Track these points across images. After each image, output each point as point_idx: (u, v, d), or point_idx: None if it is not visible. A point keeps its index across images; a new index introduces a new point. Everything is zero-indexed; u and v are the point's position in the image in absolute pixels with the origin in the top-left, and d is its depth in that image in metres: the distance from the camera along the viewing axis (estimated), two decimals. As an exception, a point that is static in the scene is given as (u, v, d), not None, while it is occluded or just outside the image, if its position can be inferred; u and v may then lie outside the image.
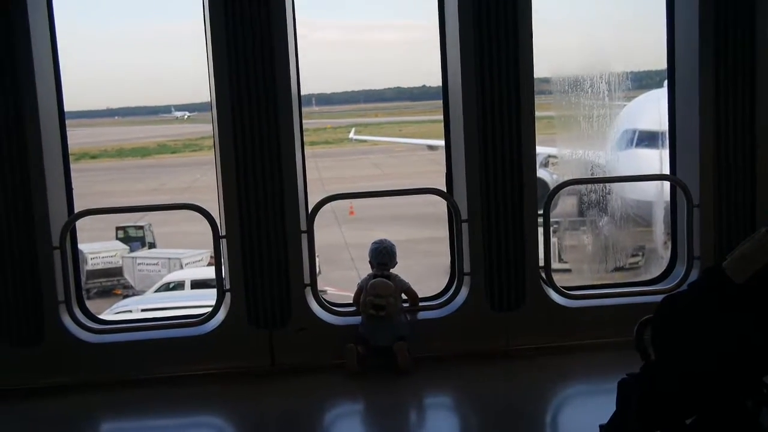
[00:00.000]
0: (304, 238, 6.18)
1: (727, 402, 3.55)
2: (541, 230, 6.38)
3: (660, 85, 16.90)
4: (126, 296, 22.11)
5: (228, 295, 6.20)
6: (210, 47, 6.02)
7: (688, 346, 3.54)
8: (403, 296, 6.29)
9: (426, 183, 7.51)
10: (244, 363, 6.15)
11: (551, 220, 6.51)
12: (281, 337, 6.18)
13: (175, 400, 5.91)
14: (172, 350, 6.16)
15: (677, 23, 6.50)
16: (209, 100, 6.16)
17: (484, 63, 6.09)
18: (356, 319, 6.22)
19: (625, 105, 19.12)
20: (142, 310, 14.90)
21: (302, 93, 6.35)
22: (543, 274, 6.39)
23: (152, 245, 26.86)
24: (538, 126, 6.29)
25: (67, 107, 6.30)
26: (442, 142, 6.90)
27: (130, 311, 15.63)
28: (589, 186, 16.76)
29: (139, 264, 24.28)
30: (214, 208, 6.25)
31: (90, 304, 6.59)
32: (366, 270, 6.42)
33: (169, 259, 23.70)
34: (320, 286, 6.42)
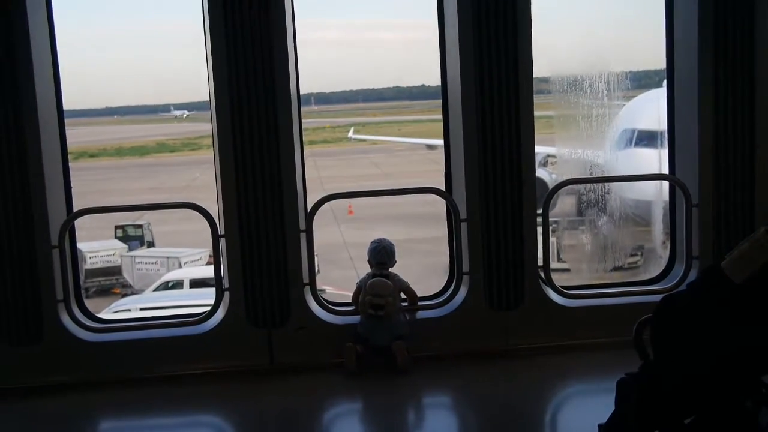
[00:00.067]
0: (303, 237, 6.18)
1: (726, 402, 3.55)
2: (540, 230, 6.39)
3: (659, 85, 16.90)
4: (125, 295, 22.08)
5: (227, 294, 6.20)
6: (209, 46, 6.02)
7: (686, 346, 3.54)
8: (402, 295, 6.29)
9: (425, 182, 7.52)
10: (243, 362, 6.15)
11: (550, 219, 6.51)
12: (280, 336, 6.18)
13: (174, 399, 5.91)
14: (171, 349, 6.16)
15: (676, 23, 6.50)
16: (208, 99, 6.16)
17: (484, 62, 6.09)
18: (355, 319, 6.22)
19: (624, 104, 19.12)
20: (141, 309, 14.88)
21: (301, 92, 6.35)
22: (542, 274, 6.39)
23: (151, 244, 26.84)
24: (537, 125, 6.29)
25: (66, 106, 6.30)
26: (441, 142, 6.90)
27: (129, 310, 15.61)
28: (588, 185, 16.75)
29: (137, 263, 24.26)
30: (213, 207, 6.25)
31: (89, 303, 6.59)
32: (365, 269, 6.42)
33: (168, 258, 23.68)
34: (319, 285, 6.41)
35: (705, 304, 3.55)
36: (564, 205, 20.03)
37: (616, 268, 17.81)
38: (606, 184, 16.54)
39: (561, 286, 6.44)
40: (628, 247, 18.40)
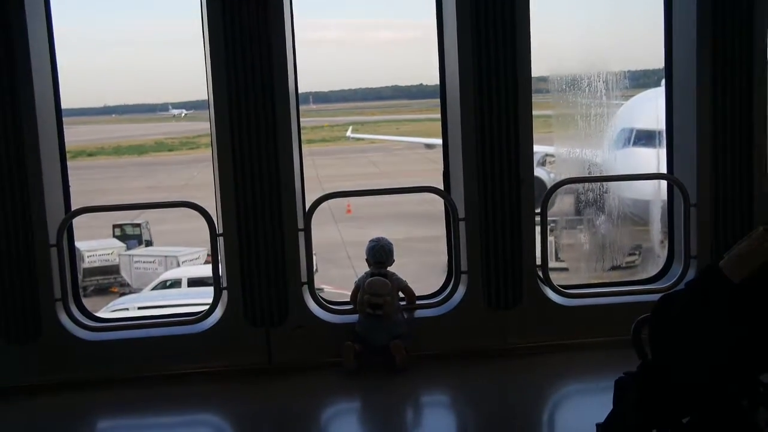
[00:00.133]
0: (302, 236, 6.18)
1: (722, 401, 3.55)
2: (538, 229, 6.39)
3: (658, 84, 16.90)
4: (123, 294, 22.07)
5: (225, 293, 6.19)
6: (208, 45, 6.01)
7: (684, 346, 3.54)
8: (401, 294, 6.29)
9: (423, 181, 7.51)
10: (241, 361, 6.15)
11: (548, 218, 6.51)
12: (278, 335, 6.18)
13: (172, 397, 5.91)
14: (169, 348, 6.15)
15: (675, 22, 6.50)
16: (206, 98, 6.15)
17: (482, 61, 6.09)
18: (353, 318, 6.22)
19: (622, 104, 19.11)
20: (139, 308, 14.87)
21: (299, 91, 6.35)
22: (540, 273, 6.39)
23: (149, 243, 26.82)
24: (536, 125, 6.29)
25: (64, 105, 6.30)
26: (439, 141, 6.90)
27: (127, 309, 15.60)
28: (587, 185, 16.73)
29: (135, 262, 24.24)
30: (211, 205, 6.24)
31: (86, 302, 6.58)
32: (363, 268, 6.42)
33: (166, 257, 23.66)
34: (317, 284, 6.41)
35: (703, 303, 3.55)
36: (562, 204, 20.02)
37: (614, 268, 17.81)
38: (604, 183, 16.52)
39: (559, 286, 6.44)
40: (626, 247, 18.39)
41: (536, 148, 6.47)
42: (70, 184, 6.36)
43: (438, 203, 6.74)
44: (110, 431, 5.88)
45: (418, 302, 6.40)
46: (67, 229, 6.07)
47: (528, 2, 6.10)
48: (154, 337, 6.22)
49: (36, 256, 5.95)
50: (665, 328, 3.61)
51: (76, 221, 6.28)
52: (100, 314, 7.84)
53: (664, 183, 7.41)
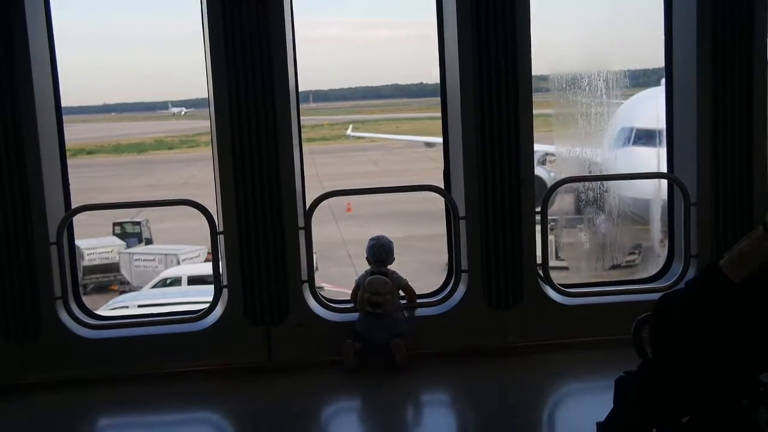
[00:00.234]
0: (302, 234, 6.18)
1: (723, 400, 3.55)
2: (538, 228, 6.39)
3: (658, 83, 16.89)
4: (122, 292, 22.10)
5: (225, 292, 6.19)
6: (208, 43, 6.01)
7: (685, 345, 3.54)
8: (401, 293, 6.29)
9: (423, 180, 7.51)
10: (242, 359, 6.15)
11: (549, 217, 6.51)
12: (278, 333, 6.18)
13: (172, 396, 5.91)
14: (170, 346, 6.16)
15: (675, 21, 6.50)
16: (206, 96, 6.15)
17: (483, 60, 6.09)
18: (354, 316, 6.22)
19: (622, 103, 19.11)
20: (139, 306, 14.88)
21: (300, 89, 6.35)
22: (540, 272, 6.39)
23: (149, 241, 26.87)
24: (536, 123, 6.29)
25: (64, 103, 6.30)
26: (439, 139, 6.89)
27: (127, 307, 15.61)
28: (587, 184, 16.73)
29: (135, 260, 24.28)
30: (211, 204, 6.24)
31: (86, 300, 6.58)
32: (363, 267, 6.42)
33: (166, 255, 23.69)
34: (317, 282, 6.42)
35: (703, 302, 3.55)
36: (562, 203, 20.03)
37: (614, 267, 17.81)
38: (604, 182, 16.52)
39: (559, 284, 6.44)
40: (626, 246, 18.40)
41: (536, 147, 6.46)
42: (69, 182, 6.35)
43: (438, 202, 6.74)
44: (110, 429, 5.88)
45: (418, 301, 6.39)
46: (67, 227, 6.07)
47: (528, 0, 6.10)
48: (154, 335, 6.22)
49: (36, 254, 5.95)
50: (665, 327, 3.61)
51: (76, 219, 6.28)
52: (100, 312, 7.84)
53: (664, 182, 7.41)
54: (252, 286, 6.13)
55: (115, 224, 26.77)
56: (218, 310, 6.21)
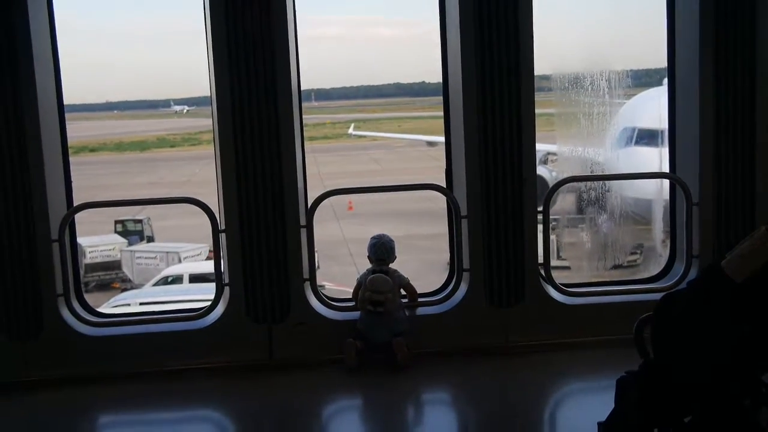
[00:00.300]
0: (304, 232, 6.18)
1: (724, 401, 3.55)
2: (540, 227, 6.39)
3: (660, 84, 16.89)
4: (124, 290, 22.14)
5: (227, 290, 6.20)
6: (210, 41, 6.01)
7: (686, 345, 3.54)
8: (403, 292, 6.29)
9: (425, 179, 7.50)
10: (243, 357, 6.15)
11: (550, 217, 6.50)
12: (280, 331, 6.18)
13: (173, 393, 5.91)
14: (171, 344, 6.16)
15: (678, 21, 6.49)
16: (209, 94, 6.15)
17: (485, 59, 6.08)
18: (355, 315, 6.22)
19: (625, 103, 19.10)
20: (140, 304, 14.91)
21: (302, 88, 6.34)
22: (542, 271, 6.39)
23: (151, 239, 26.88)
24: (538, 123, 6.28)
25: (66, 100, 6.30)
26: (441, 138, 6.89)
27: (129, 305, 15.64)
28: (589, 183, 16.74)
29: (137, 258, 24.30)
30: (212, 202, 6.24)
31: (88, 298, 6.58)
32: (365, 265, 6.42)
33: (168, 253, 23.71)
34: (319, 281, 6.42)
35: (705, 303, 3.55)
36: (564, 202, 20.04)
37: (615, 266, 17.81)
38: (606, 182, 16.52)
39: (561, 284, 6.43)
40: (628, 246, 18.40)
41: (538, 146, 6.46)
42: (72, 179, 6.36)
43: (439, 200, 6.74)
44: (112, 427, 5.88)
45: (419, 299, 6.39)
46: (69, 225, 6.07)
47: (531, 0, 6.10)
48: (155, 333, 6.22)
49: (38, 252, 5.96)
50: (667, 327, 3.61)
51: (78, 217, 6.28)
52: (102, 310, 7.85)
53: (666, 182, 7.40)
54: (254, 285, 6.13)
55: (116, 222, 26.81)
56: (220, 308, 6.21)
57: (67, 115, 6.34)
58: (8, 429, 5.50)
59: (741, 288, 3.42)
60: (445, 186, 6.51)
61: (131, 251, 24.63)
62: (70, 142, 6.49)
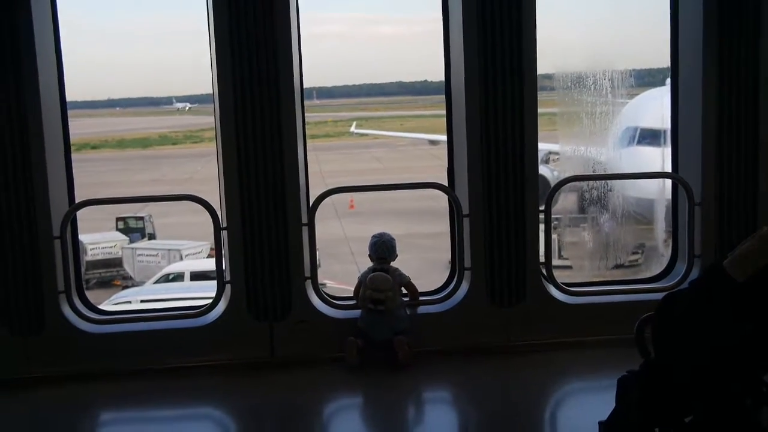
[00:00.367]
0: (305, 230, 6.18)
1: (726, 400, 3.55)
2: (542, 226, 6.38)
3: (663, 83, 16.86)
4: (125, 287, 22.11)
5: (228, 287, 6.20)
6: (213, 39, 6.01)
7: (688, 344, 3.54)
8: (404, 290, 6.29)
9: (427, 177, 7.50)
10: (244, 355, 6.15)
11: (552, 216, 6.50)
12: (281, 329, 6.18)
13: (175, 391, 5.92)
14: (172, 341, 6.16)
15: (681, 20, 6.48)
16: (211, 91, 6.15)
17: (488, 58, 6.08)
18: (356, 313, 6.22)
19: (627, 102, 19.08)
20: (142, 301, 14.91)
21: (304, 86, 6.34)
22: (544, 270, 6.39)
23: (152, 236, 26.85)
24: (540, 122, 6.28)
25: (68, 97, 6.30)
26: (443, 137, 6.89)
27: (130, 302, 15.64)
28: (591, 183, 16.72)
29: (138, 255, 24.26)
30: (214, 199, 6.24)
31: (89, 295, 6.59)
32: (366, 263, 6.42)
33: (169, 250, 23.68)
34: (320, 279, 6.42)
35: (707, 302, 3.55)
36: (566, 202, 20.02)
37: (617, 266, 17.80)
38: (608, 181, 16.50)
39: (562, 283, 6.43)
40: (629, 245, 18.38)
41: (540, 145, 6.46)
42: (74, 176, 6.36)
43: (441, 199, 6.73)
44: (113, 424, 5.89)
45: (421, 298, 6.39)
46: (70, 222, 6.07)
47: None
48: (157, 330, 6.23)
49: (40, 249, 5.96)
50: (668, 326, 3.61)
51: (80, 214, 6.28)
52: (103, 307, 7.85)
53: (668, 182, 7.39)
54: (255, 282, 6.13)
55: (118, 219, 26.77)
56: (221, 306, 6.21)
57: (69, 113, 6.35)
58: (10, 426, 5.51)
59: (743, 288, 3.42)
60: (446, 185, 6.51)
61: (132, 248, 24.60)
62: (72, 139, 6.49)
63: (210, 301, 6.23)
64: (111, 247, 24.46)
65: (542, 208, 6.39)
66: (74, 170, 6.36)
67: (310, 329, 6.18)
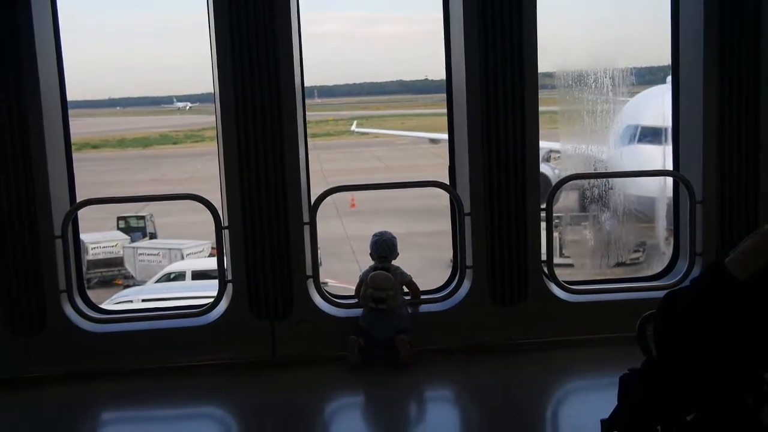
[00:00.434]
0: (306, 229, 6.17)
1: (727, 399, 3.55)
2: (543, 225, 6.38)
3: (663, 81, 16.85)
4: (126, 286, 22.11)
5: (230, 286, 6.20)
6: (213, 38, 6.00)
7: (689, 342, 3.53)
8: (405, 289, 6.29)
9: (428, 176, 7.50)
10: (246, 354, 6.15)
11: (553, 214, 6.49)
12: (283, 328, 6.18)
13: (176, 390, 5.92)
14: (174, 341, 6.16)
15: (682, 18, 6.48)
16: (211, 91, 6.15)
17: (488, 57, 6.07)
18: (358, 312, 6.22)
19: (628, 100, 19.06)
20: (143, 301, 14.91)
21: (305, 85, 6.34)
22: (545, 269, 6.39)
23: (153, 235, 26.85)
24: (541, 121, 6.27)
25: (69, 97, 6.30)
26: (444, 136, 6.89)
27: (131, 301, 15.64)
28: (592, 181, 16.71)
29: (140, 254, 24.27)
30: (215, 198, 6.25)
31: (90, 294, 6.59)
32: (367, 262, 6.41)
33: (170, 249, 23.69)
34: (321, 278, 6.42)
35: (708, 300, 3.55)
36: (567, 200, 20.01)
37: (618, 264, 17.80)
38: (609, 179, 16.50)
39: (564, 282, 6.43)
40: (631, 243, 18.38)
41: (541, 143, 6.46)
42: (75, 176, 6.36)
43: (442, 198, 6.73)
44: (114, 423, 5.89)
45: (422, 297, 6.39)
46: (72, 221, 6.08)
47: None
48: (158, 329, 6.23)
49: (41, 248, 5.96)
50: (670, 325, 3.61)
51: (81, 213, 6.28)
52: (105, 306, 7.85)
53: (669, 180, 7.39)
54: (256, 281, 6.14)
55: (119, 218, 26.78)
56: (222, 305, 6.21)
57: (69, 112, 6.35)
58: (11, 425, 5.51)
59: (744, 286, 3.42)
60: (448, 183, 6.51)
61: (134, 248, 24.60)
62: (73, 138, 6.49)
63: (211, 300, 6.23)
64: (112, 246, 24.47)
65: (543, 206, 6.39)
66: (75, 169, 6.36)
67: (311, 328, 6.19)
